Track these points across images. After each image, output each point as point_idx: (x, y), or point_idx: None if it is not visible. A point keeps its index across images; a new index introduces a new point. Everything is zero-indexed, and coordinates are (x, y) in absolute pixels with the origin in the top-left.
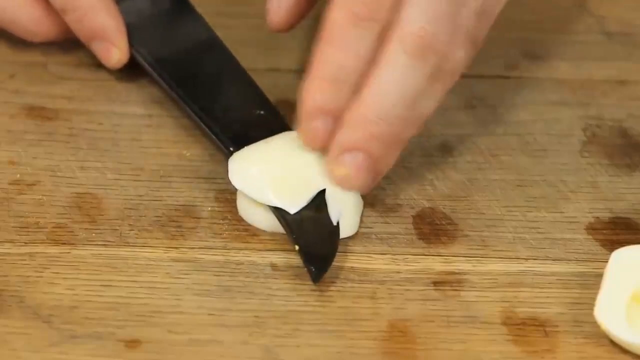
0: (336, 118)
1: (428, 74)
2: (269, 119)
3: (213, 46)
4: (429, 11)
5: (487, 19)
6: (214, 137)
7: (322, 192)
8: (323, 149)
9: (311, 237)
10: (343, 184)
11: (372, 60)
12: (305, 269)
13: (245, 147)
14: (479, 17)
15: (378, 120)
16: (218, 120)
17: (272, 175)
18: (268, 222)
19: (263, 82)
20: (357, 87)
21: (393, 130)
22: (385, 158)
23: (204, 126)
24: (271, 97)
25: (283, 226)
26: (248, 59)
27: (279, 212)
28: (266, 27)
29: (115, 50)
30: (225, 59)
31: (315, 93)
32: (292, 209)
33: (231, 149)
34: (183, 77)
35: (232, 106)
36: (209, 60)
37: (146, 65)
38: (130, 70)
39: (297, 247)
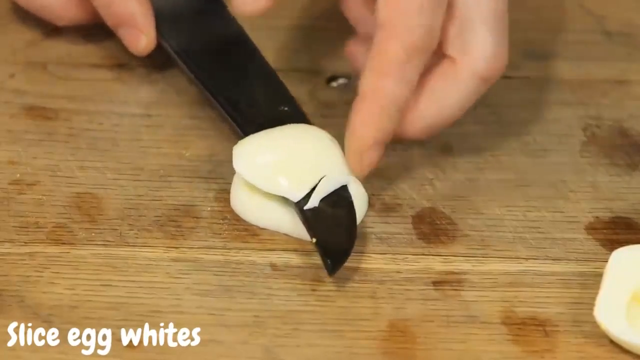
0: (383, 142)
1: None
2: (293, 115)
3: (240, 39)
4: (496, 32)
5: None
6: (238, 129)
7: (343, 187)
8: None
9: (328, 230)
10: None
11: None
12: (322, 263)
13: (251, 135)
14: None
15: (422, 134)
16: (242, 114)
17: (276, 163)
18: (263, 219)
19: None
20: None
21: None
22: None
23: (228, 118)
24: None
25: (300, 219)
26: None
27: (296, 205)
28: (266, 27)
29: (142, 37)
30: (251, 53)
31: (372, 127)
32: (296, 197)
33: None
34: (209, 68)
35: (256, 100)
36: (235, 54)
37: (173, 54)
38: (131, 71)
39: (313, 241)
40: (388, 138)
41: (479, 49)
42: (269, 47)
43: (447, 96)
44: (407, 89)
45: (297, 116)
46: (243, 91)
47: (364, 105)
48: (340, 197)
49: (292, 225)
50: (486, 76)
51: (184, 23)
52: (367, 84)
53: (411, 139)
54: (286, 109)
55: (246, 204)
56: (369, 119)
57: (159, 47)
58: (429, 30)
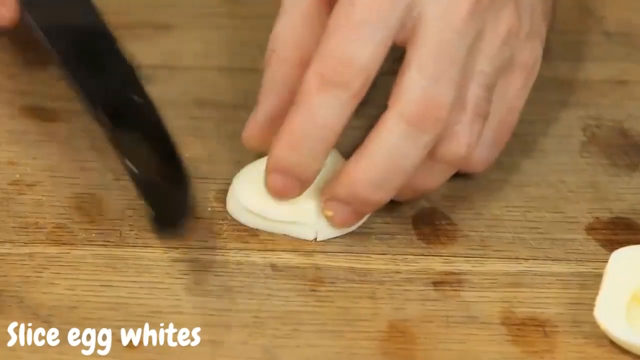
0: (296, 176)
1: (426, 145)
2: (145, 107)
3: (99, 28)
4: (431, 74)
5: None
6: (93, 114)
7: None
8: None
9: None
10: (329, 222)
11: (339, 127)
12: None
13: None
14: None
15: (368, 186)
16: (97, 99)
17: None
18: (260, 224)
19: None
20: (318, 151)
21: (383, 197)
22: (370, 211)
23: (85, 101)
24: None
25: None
26: (248, 59)
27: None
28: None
29: (3, 11)
30: (110, 43)
31: (278, 150)
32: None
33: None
34: (69, 49)
35: (111, 88)
36: (94, 41)
37: (38, 30)
38: None
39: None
40: (295, 171)
41: (407, 91)
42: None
43: (377, 147)
44: (313, 126)
45: (147, 107)
46: (98, 78)
47: (281, 128)
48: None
49: (289, 228)
50: (415, 121)
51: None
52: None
53: (367, 200)
54: (138, 99)
55: (242, 208)
56: (276, 142)
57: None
58: (347, 63)
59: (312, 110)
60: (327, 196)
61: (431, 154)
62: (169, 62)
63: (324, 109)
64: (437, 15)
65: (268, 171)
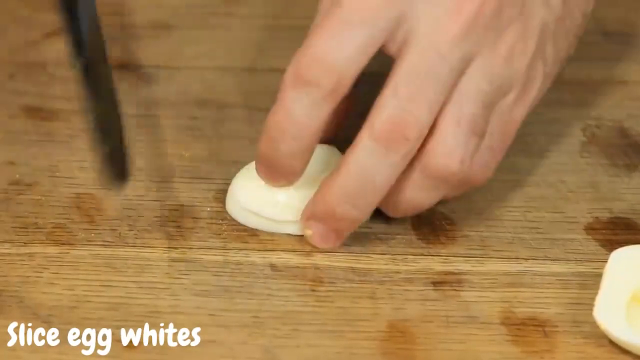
0: (277, 171)
1: (395, 164)
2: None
3: None
4: (404, 94)
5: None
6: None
7: None
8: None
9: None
10: (309, 241)
11: (313, 126)
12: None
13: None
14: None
15: (342, 204)
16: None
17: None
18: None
19: (263, 82)
20: (295, 148)
21: (357, 215)
22: (348, 229)
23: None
24: (271, 97)
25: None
26: (248, 59)
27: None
28: (266, 28)
29: None
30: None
31: (260, 145)
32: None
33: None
34: None
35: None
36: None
37: None
38: (131, 71)
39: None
40: (274, 164)
41: (378, 109)
42: (269, 47)
43: (348, 165)
44: (286, 120)
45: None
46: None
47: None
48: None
49: (288, 227)
50: (383, 140)
51: None
52: None
53: (342, 217)
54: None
55: (241, 208)
56: (261, 136)
57: None
58: (319, 62)
59: (285, 107)
60: (306, 215)
61: (424, 170)
62: (169, 62)
63: (297, 106)
64: (425, 33)
65: (256, 163)
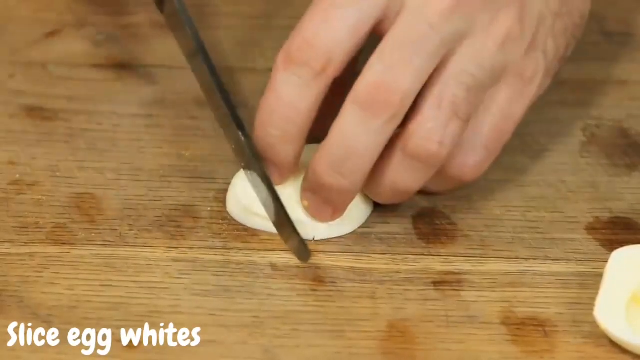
0: (271, 158)
1: (378, 130)
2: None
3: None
4: (389, 60)
5: (475, 93)
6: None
7: None
8: None
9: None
10: (307, 212)
11: (304, 107)
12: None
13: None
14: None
15: (329, 171)
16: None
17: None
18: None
19: (263, 82)
20: (286, 131)
21: (345, 184)
22: (341, 201)
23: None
24: None
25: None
26: (248, 59)
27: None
28: (266, 28)
29: None
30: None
31: (255, 129)
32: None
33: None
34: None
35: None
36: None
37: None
38: (131, 71)
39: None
40: (275, 155)
41: (363, 75)
42: (269, 47)
43: (333, 131)
44: (276, 102)
45: None
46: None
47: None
48: None
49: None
50: (365, 104)
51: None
52: None
53: (330, 186)
54: None
55: (242, 208)
56: (254, 127)
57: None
58: (310, 43)
59: (275, 89)
60: (302, 186)
61: (404, 151)
62: (169, 62)
63: (286, 88)
64: (416, 5)
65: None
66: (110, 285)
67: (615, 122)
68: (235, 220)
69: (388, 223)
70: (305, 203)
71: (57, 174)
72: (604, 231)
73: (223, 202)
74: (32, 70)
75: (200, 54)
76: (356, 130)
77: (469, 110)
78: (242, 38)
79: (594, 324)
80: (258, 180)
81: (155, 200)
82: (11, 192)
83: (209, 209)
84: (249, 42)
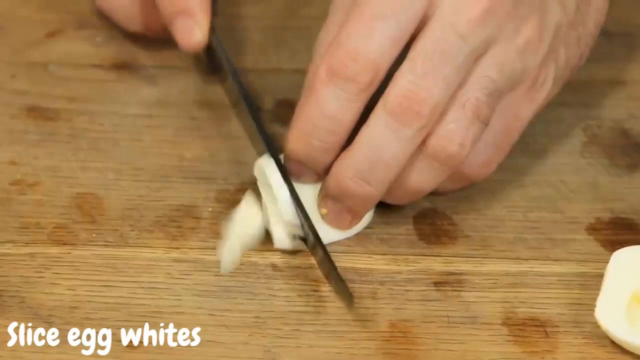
0: (308, 166)
1: (407, 139)
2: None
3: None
4: (420, 70)
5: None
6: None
7: None
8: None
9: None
10: (324, 220)
11: (348, 120)
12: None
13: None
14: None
15: (355, 179)
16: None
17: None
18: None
19: (264, 82)
20: (328, 143)
21: (370, 192)
22: (362, 208)
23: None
24: (272, 98)
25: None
26: (249, 59)
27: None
28: (266, 28)
29: (197, 30)
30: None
31: (290, 141)
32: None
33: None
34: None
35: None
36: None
37: (222, 54)
38: (132, 71)
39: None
40: (308, 161)
41: (394, 84)
42: (270, 47)
43: (361, 139)
44: (321, 117)
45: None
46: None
47: (293, 119)
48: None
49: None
50: (396, 114)
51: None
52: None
53: (354, 194)
54: None
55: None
56: (289, 133)
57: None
58: (355, 57)
59: (320, 102)
60: (321, 193)
61: (424, 151)
62: (170, 62)
63: (332, 101)
64: (446, 13)
65: (285, 158)
66: (111, 286)
67: (616, 122)
68: None
69: (389, 223)
70: (324, 211)
71: (59, 174)
72: (605, 231)
73: (224, 202)
74: (33, 71)
75: (243, 102)
76: (386, 139)
77: (489, 114)
78: (243, 38)
79: (595, 324)
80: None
81: (156, 201)
82: (12, 192)
83: (210, 209)
84: (249, 43)
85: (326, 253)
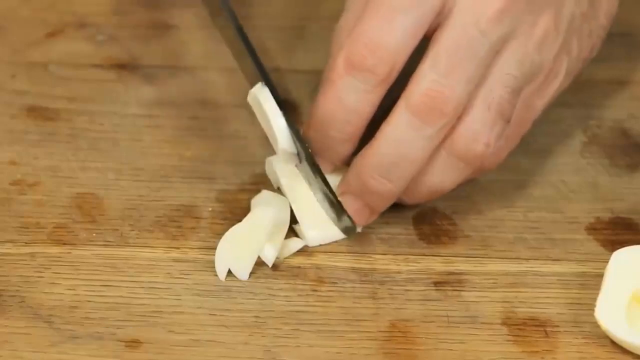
0: (325, 157)
1: (429, 137)
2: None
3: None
4: (442, 68)
5: (528, 106)
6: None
7: None
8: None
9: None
10: None
11: (365, 112)
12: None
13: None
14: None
15: (375, 176)
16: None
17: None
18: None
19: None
20: (346, 133)
21: (391, 189)
22: (382, 204)
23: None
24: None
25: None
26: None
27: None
28: (267, 28)
29: None
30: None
31: (308, 133)
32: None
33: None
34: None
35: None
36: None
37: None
38: (131, 71)
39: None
40: (324, 152)
41: (416, 82)
42: (270, 47)
43: (383, 136)
44: (338, 108)
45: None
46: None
47: (311, 110)
48: None
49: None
50: (419, 113)
51: None
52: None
53: (375, 191)
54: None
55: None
56: (307, 124)
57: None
58: (373, 49)
59: (338, 93)
60: (341, 189)
61: (448, 150)
62: (169, 62)
63: (350, 93)
64: (466, 8)
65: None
66: (111, 286)
67: (616, 122)
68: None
69: (389, 223)
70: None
71: (59, 174)
72: (604, 231)
73: (224, 202)
74: (33, 71)
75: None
76: (408, 137)
77: (512, 111)
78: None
79: (594, 324)
80: (308, 170)
81: (156, 201)
82: (12, 192)
83: (210, 209)
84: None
85: (325, 181)
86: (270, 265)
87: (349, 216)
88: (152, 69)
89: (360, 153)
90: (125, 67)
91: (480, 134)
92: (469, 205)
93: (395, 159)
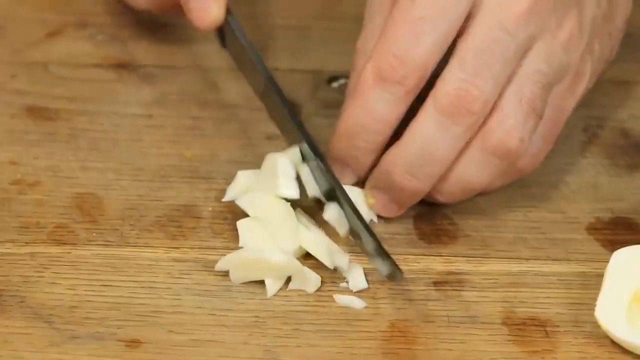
0: (350, 166)
1: (457, 137)
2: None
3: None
4: (470, 68)
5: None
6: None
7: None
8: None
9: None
10: (371, 209)
11: (393, 121)
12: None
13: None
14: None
15: (404, 174)
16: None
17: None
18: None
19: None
20: (372, 143)
21: (418, 186)
22: (410, 200)
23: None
24: None
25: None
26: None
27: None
28: (267, 28)
29: (214, 6)
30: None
31: (335, 143)
32: None
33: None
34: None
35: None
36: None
37: (238, 34)
38: (131, 71)
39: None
40: (354, 163)
41: (444, 81)
42: (270, 47)
43: (411, 135)
44: (369, 119)
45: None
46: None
47: (339, 120)
48: None
49: None
50: (447, 112)
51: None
52: (345, 101)
53: (402, 187)
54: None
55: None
56: (334, 136)
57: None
58: (402, 60)
59: (367, 105)
60: (370, 183)
61: (481, 145)
62: (169, 62)
63: (379, 103)
64: (492, 9)
65: (329, 158)
66: (112, 285)
67: (617, 123)
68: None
69: (389, 223)
70: (372, 200)
71: (59, 174)
72: (605, 231)
73: (224, 202)
74: (33, 71)
75: (271, 87)
76: (436, 136)
77: (543, 107)
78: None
79: (595, 324)
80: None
81: (156, 201)
82: (12, 192)
83: (210, 209)
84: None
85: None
86: (269, 295)
87: (394, 262)
88: (152, 69)
89: (387, 151)
90: (125, 67)
91: (513, 128)
92: (469, 205)
93: (423, 157)
